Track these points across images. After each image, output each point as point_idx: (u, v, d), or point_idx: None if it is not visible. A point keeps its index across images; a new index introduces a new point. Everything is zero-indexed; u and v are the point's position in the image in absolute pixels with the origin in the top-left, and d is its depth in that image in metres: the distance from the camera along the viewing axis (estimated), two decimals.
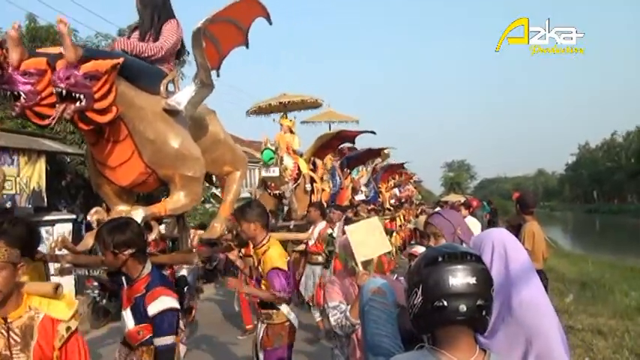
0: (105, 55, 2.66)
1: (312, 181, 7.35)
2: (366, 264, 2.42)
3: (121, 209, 2.88)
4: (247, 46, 3.22)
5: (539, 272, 4.57)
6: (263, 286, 3.21)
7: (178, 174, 2.87)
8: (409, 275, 1.25)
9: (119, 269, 2.28)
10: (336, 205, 7.82)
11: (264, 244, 3.22)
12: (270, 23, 3.26)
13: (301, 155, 7.54)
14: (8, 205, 8.01)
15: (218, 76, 3.11)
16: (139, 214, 2.72)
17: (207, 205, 15.26)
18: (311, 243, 5.79)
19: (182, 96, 2.95)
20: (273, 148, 6.61)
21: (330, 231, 5.78)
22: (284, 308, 3.24)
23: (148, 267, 2.29)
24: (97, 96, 2.43)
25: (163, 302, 2.15)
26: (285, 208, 7.16)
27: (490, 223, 14.55)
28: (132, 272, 2.25)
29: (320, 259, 5.79)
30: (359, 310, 1.80)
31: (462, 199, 15.75)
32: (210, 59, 3.02)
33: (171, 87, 3.04)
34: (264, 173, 6.67)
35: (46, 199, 8.80)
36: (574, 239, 29.01)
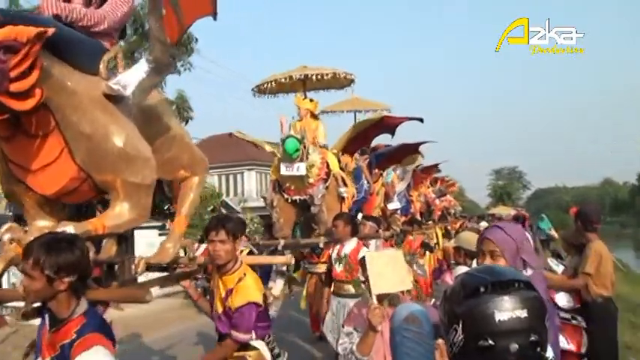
0: (28, 20, 2.14)
1: (344, 183, 5.91)
2: (382, 298, 2.41)
3: (42, 225, 2.39)
4: (215, 17, 2.73)
5: (608, 301, 3.86)
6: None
7: (122, 180, 2.39)
8: (446, 306, 1.18)
9: (45, 303, 1.83)
10: (366, 215, 6.55)
11: (236, 270, 2.77)
12: None
13: (326, 149, 6.06)
14: None
15: (176, 54, 2.67)
16: (68, 231, 2.24)
17: None
18: (339, 269, 4.73)
19: (129, 78, 2.43)
20: (299, 137, 5.07)
21: (365, 251, 4.69)
22: (261, 347, 2.84)
23: (84, 304, 1.87)
24: (13, 74, 1.96)
25: (96, 355, 1.72)
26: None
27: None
28: (61, 310, 1.81)
29: (352, 289, 4.72)
30: (384, 341, 1.84)
31: (513, 212, 14.67)
32: (168, 30, 2.54)
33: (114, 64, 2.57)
34: (284, 171, 5.14)
35: None
36: None
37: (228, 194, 23.86)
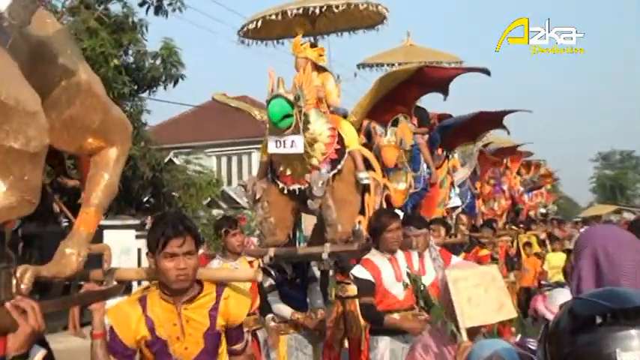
0: None
1: (368, 166, 4.81)
2: (475, 332, 2.28)
3: None
4: None
5: None
6: None
7: None
8: (549, 344, 1.10)
9: None
10: (436, 218, 5.68)
11: (202, 288, 2.44)
12: None
13: (345, 116, 4.96)
14: None
15: None
16: None
17: (215, 212, 13.64)
18: (402, 292, 3.94)
19: None
20: (291, 97, 4.08)
21: (429, 265, 4.11)
22: None
23: None
24: None
25: None
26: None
27: None
28: None
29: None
30: None
31: (628, 215, 13.04)
32: None
33: None
34: (273, 148, 4.26)
35: None
36: None
37: (230, 182, 20.67)
